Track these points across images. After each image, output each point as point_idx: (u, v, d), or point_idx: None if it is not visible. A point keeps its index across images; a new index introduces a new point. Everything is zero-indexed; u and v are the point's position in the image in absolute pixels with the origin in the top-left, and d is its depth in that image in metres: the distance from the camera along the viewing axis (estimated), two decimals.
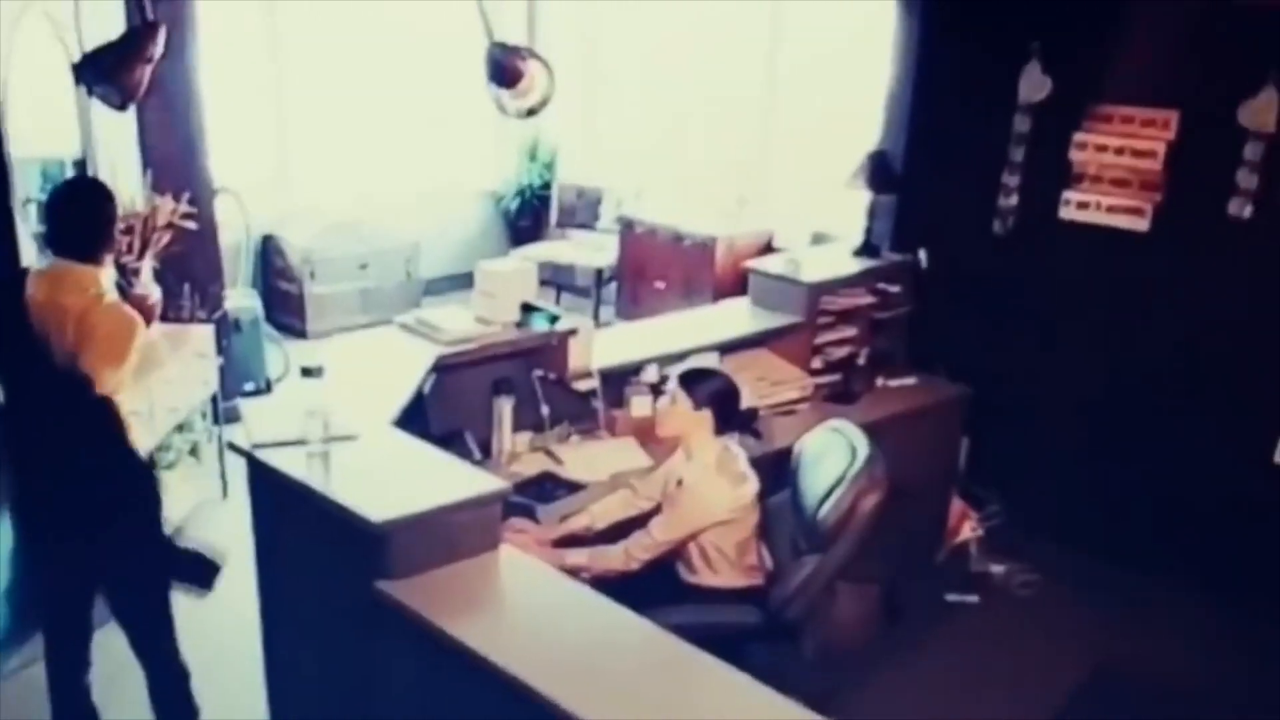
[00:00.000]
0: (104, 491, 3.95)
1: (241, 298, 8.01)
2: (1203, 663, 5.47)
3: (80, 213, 4.01)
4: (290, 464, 3.66)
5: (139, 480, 4.13)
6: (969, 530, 6.31)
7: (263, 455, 3.76)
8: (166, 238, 6.17)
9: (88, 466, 3.92)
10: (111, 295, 3.96)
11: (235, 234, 8.45)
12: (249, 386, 7.68)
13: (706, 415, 4.44)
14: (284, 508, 3.80)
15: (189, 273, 6.73)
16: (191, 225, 6.35)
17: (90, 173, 6.11)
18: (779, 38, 9.01)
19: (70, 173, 5.97)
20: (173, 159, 6.84)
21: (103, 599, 4.28)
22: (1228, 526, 5.81)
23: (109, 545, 4.09)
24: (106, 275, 3.98)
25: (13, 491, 4.21)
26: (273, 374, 8.07)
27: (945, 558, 6.25)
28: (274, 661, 4.26)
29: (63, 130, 5.98)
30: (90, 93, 5.57)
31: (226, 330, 7.36)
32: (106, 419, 3.90)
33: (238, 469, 3.98)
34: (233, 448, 4.02)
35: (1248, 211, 5.64)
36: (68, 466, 3.91)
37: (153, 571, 4.26)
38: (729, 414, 4.56)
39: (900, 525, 4.59)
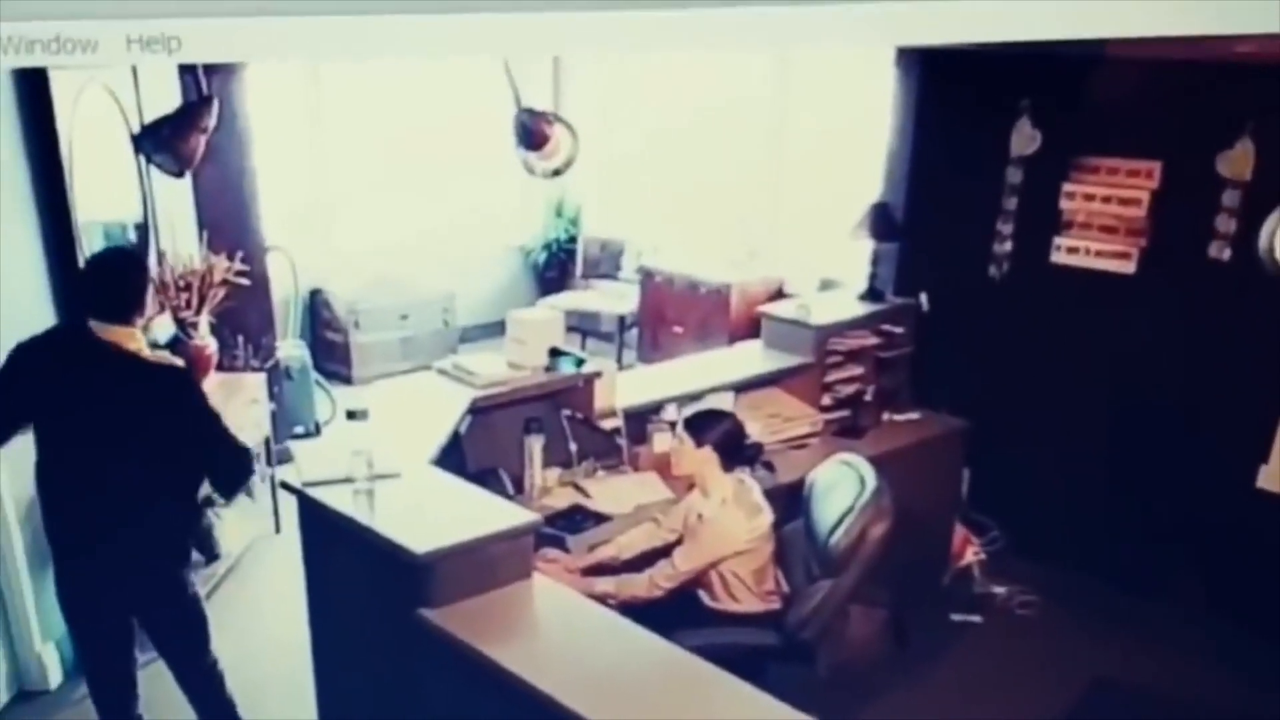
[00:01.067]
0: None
1: (291, 348, 8.03)
2: (1198, 679, 5.41)
3: (118, 281, 3.98)
4: (338, 500, 3.68)
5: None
6: (972, 554, 6.28)
7: (312, 493, 3.77)
8: (222, 293, 6.19)
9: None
10: (146, 351, 3.97)
11: (285, 289, 8.48)
12: (299, 429, 7.70)
13: (712, 454, 4.45)
14: (332, 541, 3.81)
15: (243, 325, 6.75)
16: (245, 281, 6.37)
17: (150, 235, 6.15)
18: (785, 99, 9.02)
19: (132, 235, 6.00)
20: (227, 220, 6.87)
21: (143, 632, 4.27)
22: (1216, 548, 5.77)
23: (145, 578, 4.09)
24: (140, 336, 3.95)
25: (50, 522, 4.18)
26: (321, 418, 8.08)
27: (950, 580, 6.22)
28: (323, 688, 4.25)
29: (124, 196, 6.01)
30: (150, 161, 5.63)
31: (278, 378, 7.37)
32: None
33: (289, 506, 3.99)
34: (285, 486, 4.03)
35: (1227, 254, 5.62)
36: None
37: (189, 602, 4.25)
38: (733, 452, 4.55)
39: (907, 551, 4.58)
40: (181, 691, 4.33)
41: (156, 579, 4.08)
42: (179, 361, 4.05)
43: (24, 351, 3.94)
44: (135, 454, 3.84)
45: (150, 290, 4.06)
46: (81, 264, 5.17)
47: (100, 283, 4.02)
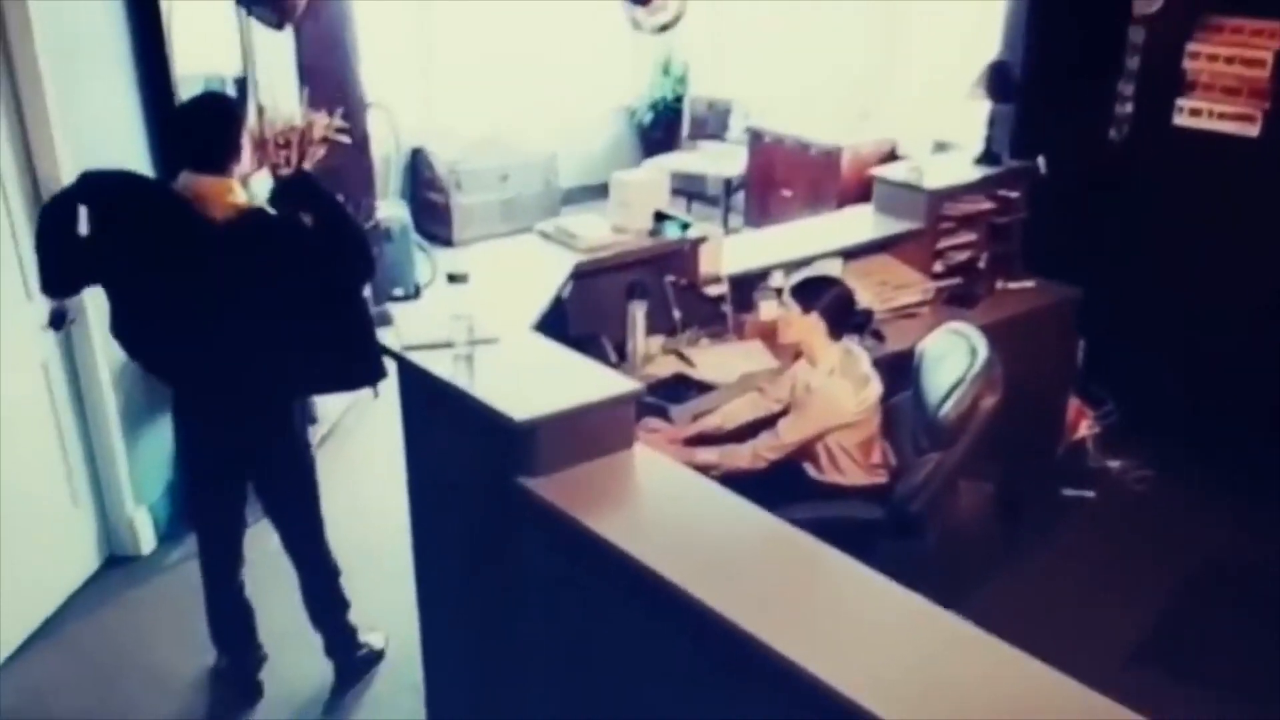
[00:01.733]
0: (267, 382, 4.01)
1: (392, 208, 8.05)
2: None
3: (210, 127, 3.91)
4: (437, 365, 3.64)
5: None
6: (1086, 428, 6.23)
7: (412, 357, 3.74)
8: (322, 151, 6.12)
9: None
10: (242, 201, 3.93)
11: (386, 147, 8.48)
12: (399, 292, 7.73)
13: (819, 322, 4.36)
14: (431, 407, 3.79)
15: (343, 184, 6.71)
16: (345, 139, 6.29)
17: (249, 89, 6.13)
18: None
19: (231, 90, 5.97)
20: (327, 76, 6.84)
21: (256, 497, 4.32)
22: None
23: (263, 433, 4.14)
24: (237, 187, 3.92)
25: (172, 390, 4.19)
26: (421, 280, 8.11)
27: (1064, 454, 6.15)
28: (422, 556, 4.27)
29: (223, 48, 5.99)
30: (249, 13, 5.58)
31: (378, 239, 7.39)
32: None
33: (390, 370, 3.98)
34: (384, 350, 4.01)
35: None
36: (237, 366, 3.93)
37: (304, 467, 4.32)
38: (842, 319, 4.46)
39: (1020, 424, 4.51)
40: (287, 554, 4.41)
41: (272, 421, 4.14)
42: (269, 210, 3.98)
43: (112, 195, 3.89)
44: (245, 308, 3.85)
45: (245, 136, 4.01)
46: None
47: (191, 129, 3.97)
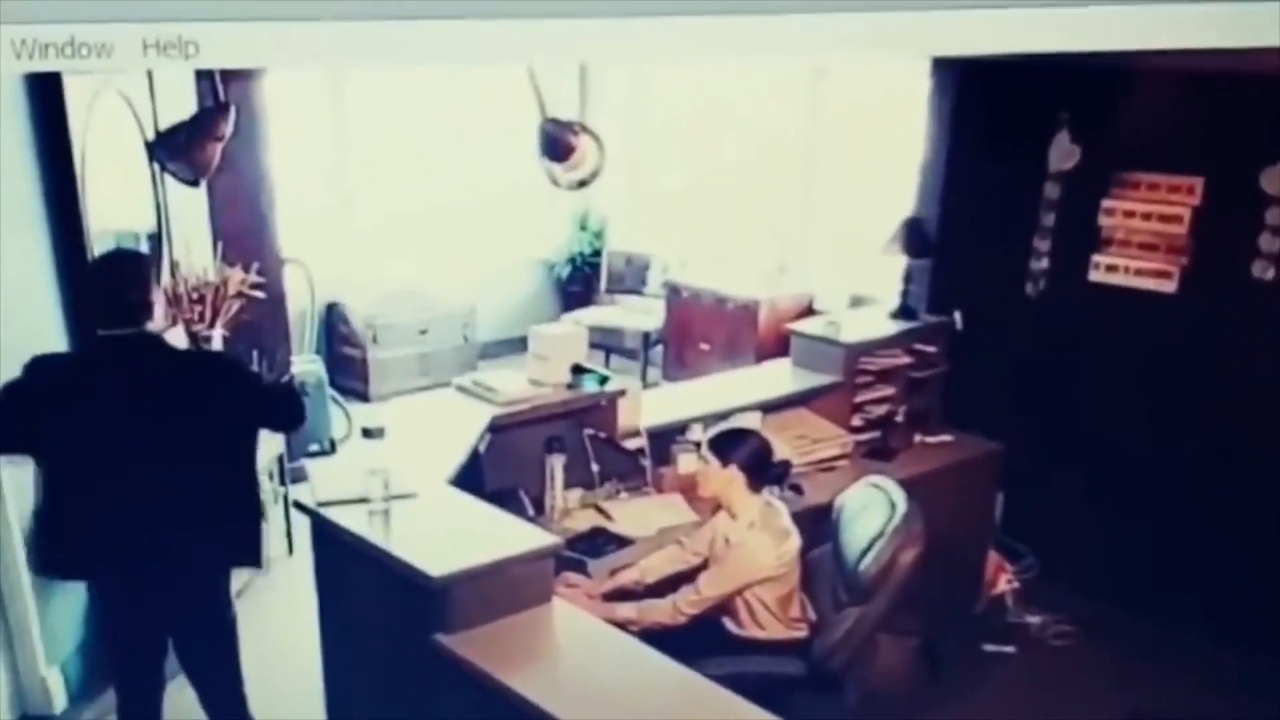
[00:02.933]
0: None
1: (307, 363, 8.04)
2: (1236, 712, 5.37)
3: (118, 283, 3.91)
4: (353, 521, 3.66)
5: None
6: (1005, 582, 6.25)
7: (327, 513, 3.76)
8: (236, 306, 6.20)
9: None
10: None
11: (301, 302, 8.50)
12: (314, 447, 7.70)
13: (738, 474, 4.42)
14: (346, 563, 3.79)
15: (258, 339, 6.74)
16: (260, 295, 6.38)
17: (163, 244, 6.16)
18: (817, 111, 9.02)
19: (145, 245, 6.00)
20: (242, 231, 6.89)
21: (175, 651, 4.26)
22: (1258, 581, 5.72)
23: (188, 593, 4.07)
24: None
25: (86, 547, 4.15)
26: (336, 435, 8.09)
27: (983, 609, 6.19)
28: (335, 713, 4.24)
29: (137, 204, 6.02)
30: (164, 169, 5.63)
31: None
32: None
33: (303, 526, 3.98)
34: (298, 506, 4.02)
35: (1270, 274, 5.58)
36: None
37: (226, 626, 4.24)
38: (760, 471, 4.51)
39: (939, 578, 4.56)
40: (204, 711, 4.34)
41: (199, 592, 4.10)
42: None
43: (45, 362, 3.92)
44: (177, 450, 3.83)
45: (158, 291, 4.02)
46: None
47: (103, 287, 3.97)
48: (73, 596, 5.25)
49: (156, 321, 3.94)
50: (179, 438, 3.80)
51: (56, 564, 4.19)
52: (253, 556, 4.14)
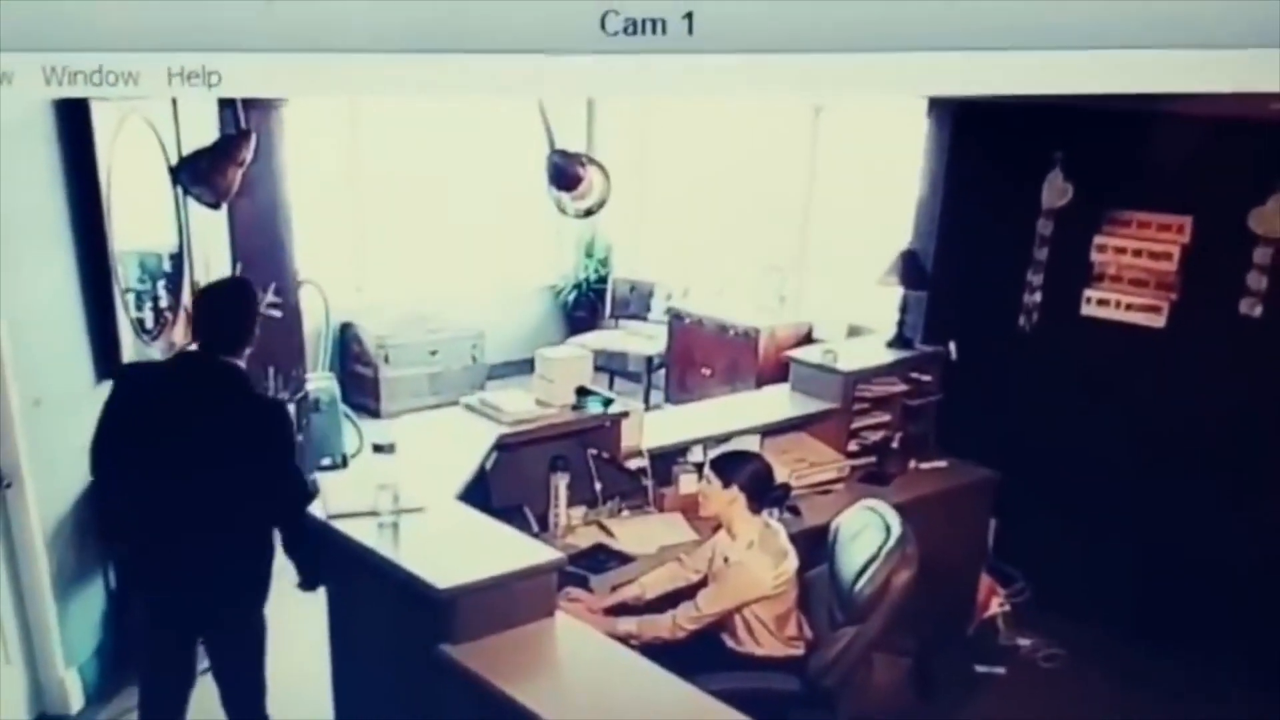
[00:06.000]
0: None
1: (321, 380, 8.04)
2: None
3: (236, 310, 4.04)
4: (362, 533, 3.66)
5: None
6: (997, 605, 6.24)
7: (337, 525, 3.76)
8: None
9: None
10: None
11: (316, 322, 8.51)
12: (326, 461, 7.70)
13: (739, 495, 4.42)
14: (356, 574, 3.79)
15: (274, 357, 6.77)
16: (277, 314, 6.39)
17: (185, 265, 6.17)
18: (816, 145, 9.04)
19: (167, 265, 6.02)
20: (261, 253, 6.92)
21: (205, 653, 4.27)
22: (1244, 605, 5.71)
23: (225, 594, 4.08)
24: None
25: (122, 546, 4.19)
26: (348, 450, 8.08)
27: (975, 631, 6.17)
28: (344, 718, 4.24)
29: (160, 226, 6.04)
30: (186, 192, 5.65)
31: (307, 410, 7.39)
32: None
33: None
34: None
35: (1258, 311, 5.59)
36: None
37: (258, 629, 4.24)
38: (761, 493, 4.51)
39: (932, 600, 4.55)
40: (224, 711, 4.33)
41: (237, 609, 4.12)
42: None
43: (137, 373, 4.16)
44: (235, 481, 3.86)
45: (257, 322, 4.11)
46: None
47: (213, 314, 4.08)
48: (92, 600, 5.26)
49: (176, 334, 4.02)
50: (233, 467, 3.86)
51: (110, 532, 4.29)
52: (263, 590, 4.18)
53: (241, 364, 4.01)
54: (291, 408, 6.64)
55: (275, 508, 4.02)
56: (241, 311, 4.06)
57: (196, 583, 3.98)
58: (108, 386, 5.18)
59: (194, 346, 4.11)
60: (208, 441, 3.84)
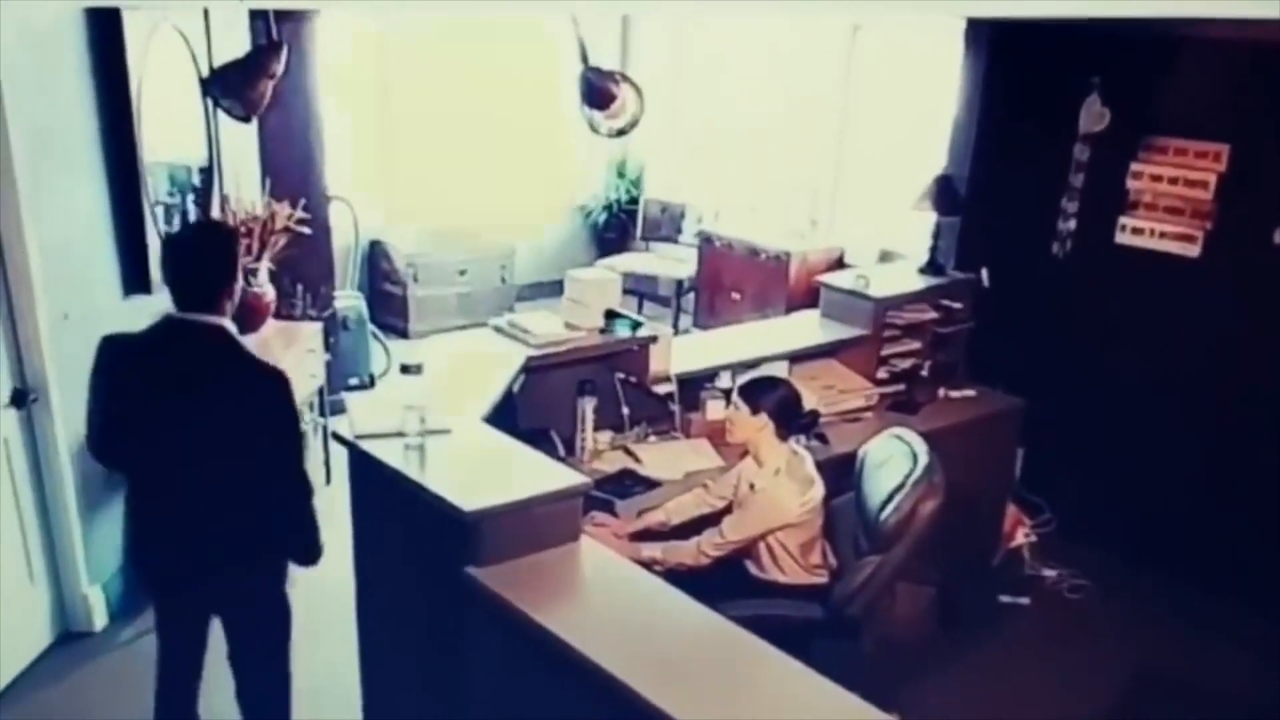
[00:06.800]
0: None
1: (349, 298, 8.06)
2: (1244, 674, 5.35)
3: (195, 263, 3.61)
4: (389, 454, 3.66)
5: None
6: (1023, 536, 6.25)
7: (364, 445, 3.76)
8: (282, 241, 6.21)
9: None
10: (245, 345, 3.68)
11: (345, 239, 8.51)
12: (353, 381, 7.72)
13: (767, 422, 4.41)
14: (382, 495, 3.79)
15: (302, 274, 6.77)
16: (306, 230, 6.39)
17: (214, 178, 6.16)
18: (852, 67, 8.96)
19: (196, 179, 6.01)
20: (290, 168, 6.90)
21: (225, 636, 4.00)
22: (1272, 540, 5.70)
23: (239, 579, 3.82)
24: (230, 327, 3.63)
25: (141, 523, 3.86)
26: (376, 370, 8.11)
27: (1000, 561, 6.18)
28: (367, 640, 4.26)
29: (190, 138, 6.03)
30: (217, 105, 5.63)
31: (335, 328, 7.40)
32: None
33: (341, 457, 3.97)
34: (337, 438, 4.00)
35: None
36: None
37: (280, 607, 3.99)
38: (789, 419, 4.51)
39: (958, 529, 4.54)
40: (238, 703, 4.10)
41: (249, 582, 3.84)
42: (281, 366, 3.76)
43: (118, 347, 3.65)
44: (236, 451, 3.58)
45: (239, 273, 3.70)
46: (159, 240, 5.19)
47: (180, 268, 3.64)
48: (116, 517, 5.28)
49: (234, 298, 3.67)
50: (231, 437, 3.56)
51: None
52: (306, 554, 3.91)
53: (227, 323, 3.61)
54: (320, 326, 6.64)
55: (275, 490, 3.71)
56: (214, 263, 3.61)
57: (203, 556, 3.68)
58: (136, 301, 5.25)
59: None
60: (203, 412, 3.53)
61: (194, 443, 3.56)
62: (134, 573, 4.54)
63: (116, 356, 3.64)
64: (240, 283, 3.71)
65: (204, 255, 3.64)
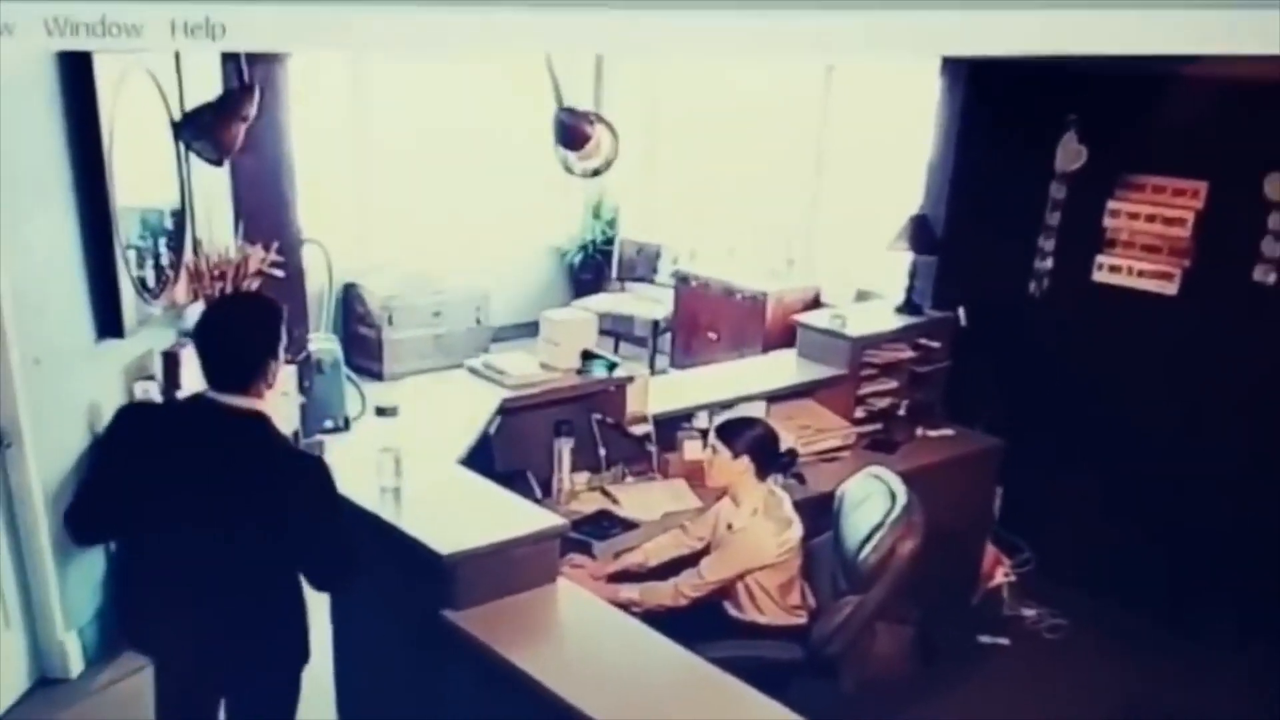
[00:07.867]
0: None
1: (324, 341, 8.05)
2: (1225, 710, 5.35)
3: (233, 338, 3.31)
4: (364, 497, 3.66)
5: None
6: (1002, 575, 6.25)
7: (339, 489, 3.75)
8: (256, 284, 6.21)
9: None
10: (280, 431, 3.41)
11: (319, 282, 8.51)
12: (328, 424, 7.71)
13: (749, 465, 4.42)
14: (358, 538, 3.78)
15: None
16: (279, 273, 6.38)
17: (187, 222, 6.15)
18: (827, 106, 9.01)
19: (169, 222, 5.99)
20: (263, 211, 6.90)
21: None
22: (1250, 578, 5.71)
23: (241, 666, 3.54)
24: (267, 409, 3.32)
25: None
26: (351, 413, 8.10)
27: (979, 601, 6.18)
28: (344, 684, 4.25)
29: (162, 182, 6.03)
30: (189, 148, 5.64)
31: (309, 371, 7.39)
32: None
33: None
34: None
35: (1272, 278, 5.58)
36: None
37: (293, 687, 3.73)
38: (767, 459, 4.52)
39: (937, 569, 4.55)
40: None
41: (269, 673, 3.60)
42: (317, 452, 3.53)
43: (139, 417, 3.50)
44: (265, 544, 3.28)
45: (280, 354, 3.36)
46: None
47: (217, 343, 3.35)
48: (92, 564, 5.28)
49: (271, 381, 3.35)
50: (261, 531, 3.27)
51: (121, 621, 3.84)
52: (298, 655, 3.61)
53: (266, 410, 3.30)
54: (294, 369, 6.63)
55: (316, 572, 3.44)
56: (256, 340, 3.31)
57: (219, 651, 3.41)
58: (108, 345, 5.24)
59: (205, 388, 3.31)
60: (231, 502, 3.22)
61: (212, 535, 3.25)
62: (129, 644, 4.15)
63: (135, 427, 3.40)
64: (281, 363, 3.38)
65: (245, 331, 3.35)
